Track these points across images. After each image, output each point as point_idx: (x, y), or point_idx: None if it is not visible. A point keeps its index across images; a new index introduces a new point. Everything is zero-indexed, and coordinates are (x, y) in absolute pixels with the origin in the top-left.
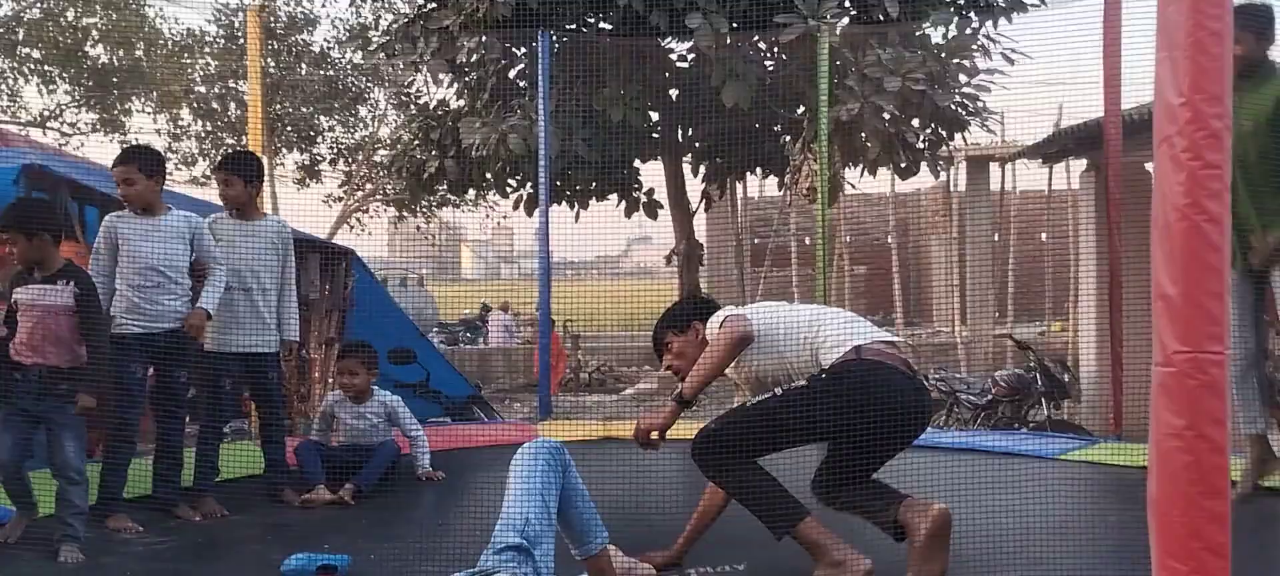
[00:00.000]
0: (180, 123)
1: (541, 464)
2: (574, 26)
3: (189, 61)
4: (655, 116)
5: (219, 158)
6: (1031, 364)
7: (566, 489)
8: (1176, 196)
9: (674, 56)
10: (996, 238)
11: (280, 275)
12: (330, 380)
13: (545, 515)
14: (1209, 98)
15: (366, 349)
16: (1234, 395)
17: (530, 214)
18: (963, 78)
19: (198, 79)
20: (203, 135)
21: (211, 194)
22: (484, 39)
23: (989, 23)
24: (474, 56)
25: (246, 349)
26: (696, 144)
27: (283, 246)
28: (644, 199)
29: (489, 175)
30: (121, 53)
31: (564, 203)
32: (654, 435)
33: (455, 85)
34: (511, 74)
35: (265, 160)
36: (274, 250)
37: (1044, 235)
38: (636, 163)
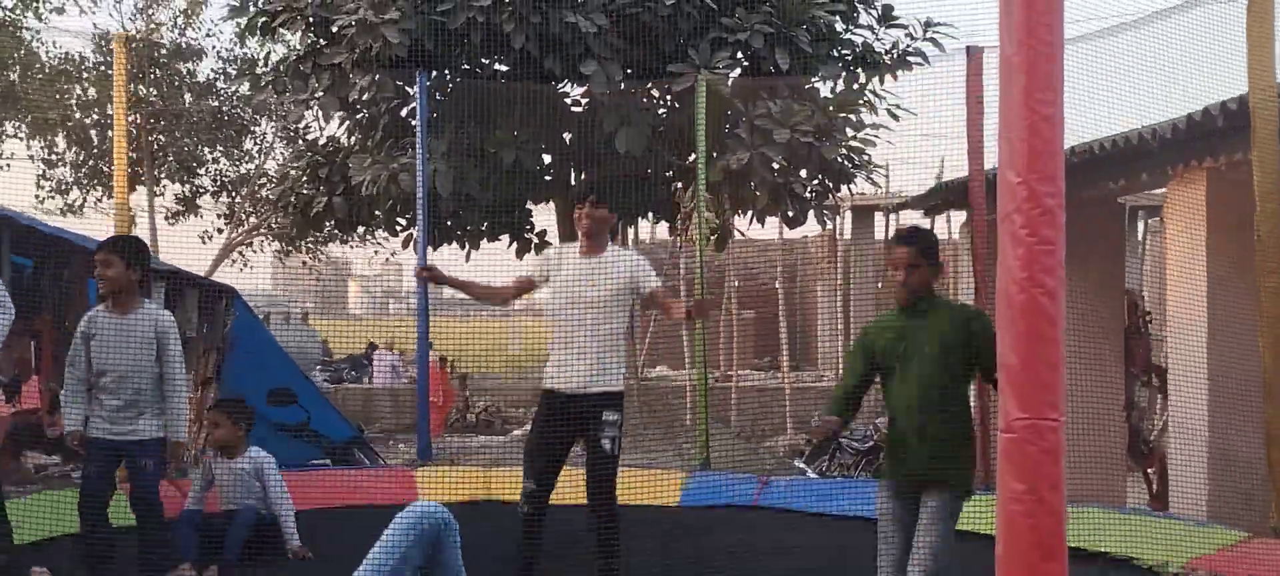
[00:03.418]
0: (55, 149)
1: (412, 537)
2: (468, 67)
3: (66, 87)
4: (548, 159)
5: (104, 239)
6: None
7: (440, 568)
8: (1016, 270)
9: (568, 101)
10: (880, 285)
11: (159, 369)
12: (203, 422)
13: None
14: (1042, 177)
15: (234, 403)
16: None
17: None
18: (849, 131)
19: (74, 106)
20: (78, 163)
21: (83, 224)
22: (376, 77)
23: (875, 79)
24: (365, 94)
25: (121, 438)
26: (589, 187)
27: (160, 338)
28: (536, 240)
29: (378, 213)
30: None
31: (455, 242)
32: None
33: (346, 122)
34: (403, 112)
35: (144, 192)
36: (150, 345)
37: None
38: (529, 204)
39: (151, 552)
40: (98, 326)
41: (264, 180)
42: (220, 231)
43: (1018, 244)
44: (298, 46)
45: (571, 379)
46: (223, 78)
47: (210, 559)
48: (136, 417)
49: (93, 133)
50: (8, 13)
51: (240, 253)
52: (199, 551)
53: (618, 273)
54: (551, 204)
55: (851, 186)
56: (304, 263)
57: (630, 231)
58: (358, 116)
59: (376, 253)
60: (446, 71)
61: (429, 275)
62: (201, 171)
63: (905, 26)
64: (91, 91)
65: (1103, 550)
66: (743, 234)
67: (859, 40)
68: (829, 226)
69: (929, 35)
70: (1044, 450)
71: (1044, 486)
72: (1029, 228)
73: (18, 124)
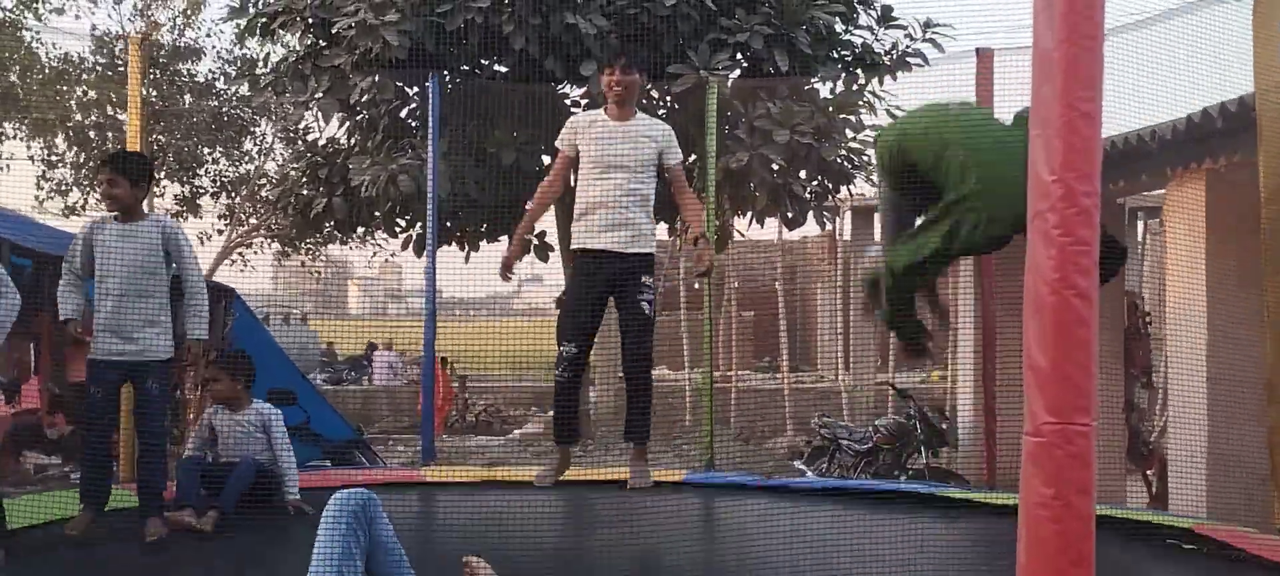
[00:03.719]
0: (55, 150)
1: (343, 525)
2: (468, 68)
3: (66, 89)
4: (547, 160)
5: (103, 157)
6: (911, 412)
7: (373, 544)
8: (1047, 271)
9: (568, 102)
10: None
11: (170, 275)
12: (201, 416)
13: None
14: (1079, 176)
15: (232, 357)
16: None
17: (419, 254)
18: (849, 132)
19: (74, 107)
20: (78, 164)
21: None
22: (376, 79)
23: (875, 80)
24: (366, 96)
25: (126, 357)
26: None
27: (170, 244)
28: (535, 241)
29: (378, 214)
30: None
31: (454, 243)
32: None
33: (346, 124)
34: (403, 114)
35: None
36: (157, 252)
37: None
38: (528, 205)
39: (152, 484)
40: (102, 233)
41: (263, 181)
42: (220, 232)
43: (1050, 244)
44: (297, 47)
45: (610, 238)
46: (222, 78)
47: (211, 503)
48: (147, 331)
49: (92, 133)
50: (8, 13)
51: (240, 253)
52: (200, 496)
53: (650, 137)
54: (551, 205)
55: (851, 187)
56: (303, 263)
57: None
58: (357, 118)
59: (376, 254)
60: (446, 72)
61: (509, 261)
62: (201, 172)
63: (904, 27)
64: (91, 93)
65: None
66: (742, 234)
67: (858, 41)
68: (829, 227)
69: (928, 36)
70: (1073, 454)
71: (1072, 491)
72: (1063, 227)
73: (17, 125)
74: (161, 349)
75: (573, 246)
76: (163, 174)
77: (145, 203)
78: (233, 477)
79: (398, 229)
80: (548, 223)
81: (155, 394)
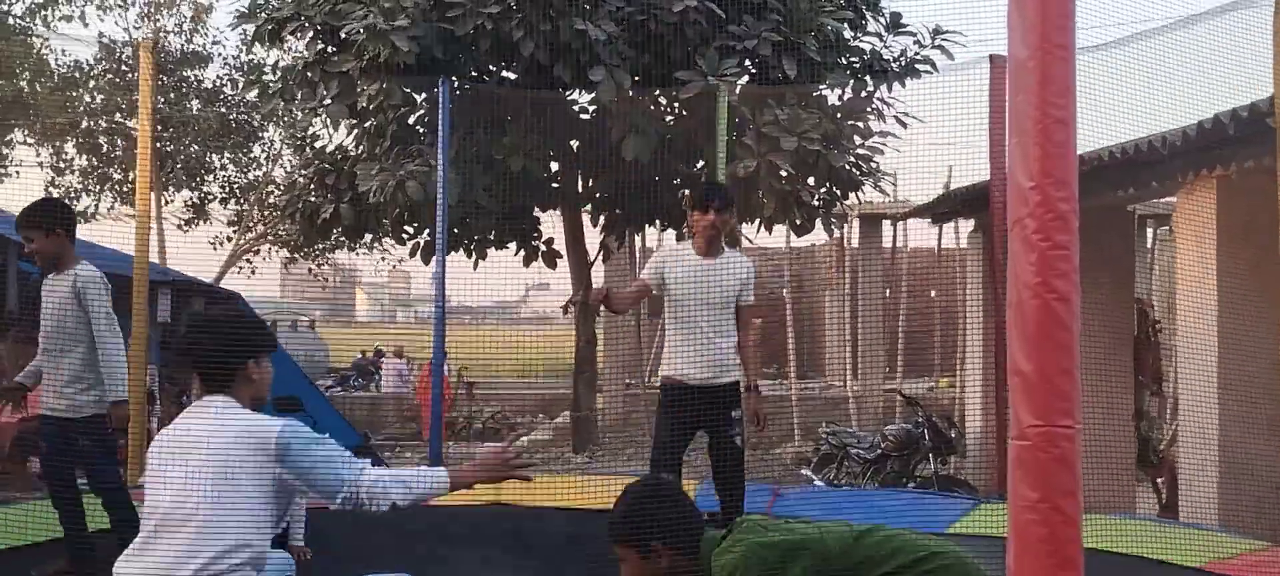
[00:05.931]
0: (64, 157)
1: None
2: (477, 74)
3: (75, 95)
4: (556, 166)
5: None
6: (919, 419)
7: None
8: (1028, 276)
9: (576, 108)
10: (887, 294)
11: (87, 330)
12: None
13: None
14: (1056, 182)
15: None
16: None
17: (427, 261)
18: (857, 139)
19: (83, 112)
20: (88, 170)
21: (93, 232)
22: (384, 85)
23: (883, 87)
24: (374, 102)
25: (57, 414)
26: (596, 195)
27: (80, 294)
28: (543, 248)
29: (386, 221)
30: (2, 82)
31: (462, 250)
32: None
33: (354, 130)
34: (411, 120)
35: (153, 198)
36: (71, 306)
37: (933, 292)
38: (536, 212)
39: (123, 534)
40: (44, 288)
41: (271, 187)
42: (228, 239)
43: (1031, 249)
44: (305, 53)
45: (701, 371)
46: (230, 84)
47: None
48: (69, 388)
49: (102, 140)
50: (18, 21)
51: (247, 259)
52: None
53: (734, 275)
54: (558, 211)
55: (859, 194)
56: (310, 270)
57: (638, 239)
58: (366, 124)
59: (383, 258)
60: (454, 78)
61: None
62: (209, 178)
63: (913, 34)
64: (99, 99)
65: (1122, 551)
66: (750, 242)
67: (867, 48)
68: (837, 234)
69: (937, 43)
70: (1057, 458)
71: (1058, 494)
72: (1042, 233)
73: (27, 132)
74: (86, 405)
75: (663, 376)
76: (170, 180)
77: (153, 209)
78: None
79: (406, 236)
80: (555, 229)
81: (90, 449)
